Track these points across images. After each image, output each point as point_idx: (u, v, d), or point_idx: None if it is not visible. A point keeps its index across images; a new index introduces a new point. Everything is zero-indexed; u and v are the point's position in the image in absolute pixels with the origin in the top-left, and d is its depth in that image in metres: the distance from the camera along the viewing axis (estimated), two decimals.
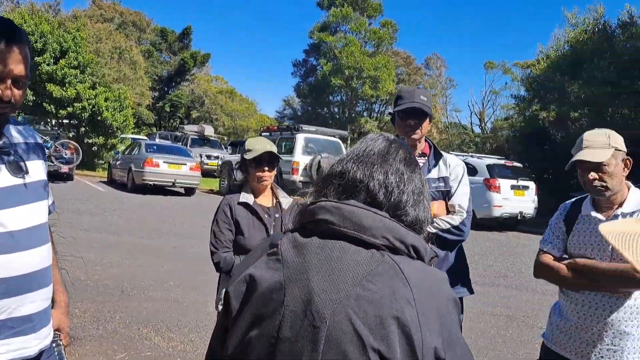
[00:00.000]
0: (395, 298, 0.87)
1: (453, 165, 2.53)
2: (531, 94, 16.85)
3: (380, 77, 31.77)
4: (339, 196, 0.99)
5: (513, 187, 13.29)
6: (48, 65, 20.44)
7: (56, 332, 1.63)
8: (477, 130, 39.89)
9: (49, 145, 16.86)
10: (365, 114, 39.16)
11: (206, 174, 19.77)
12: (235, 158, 14.12)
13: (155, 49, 44.81)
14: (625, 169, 2.08)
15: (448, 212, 2.46)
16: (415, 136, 2.46)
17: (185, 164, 15.07)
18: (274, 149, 2.56)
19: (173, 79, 45.43)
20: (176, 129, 38.31)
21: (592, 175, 2.05)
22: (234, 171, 13.92)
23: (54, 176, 14.97)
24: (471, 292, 2.55)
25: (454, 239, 2.43)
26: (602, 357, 1.98)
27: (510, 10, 72.15)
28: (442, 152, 2.60)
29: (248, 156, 2.51)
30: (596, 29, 15.60)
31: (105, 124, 22.20)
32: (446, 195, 2.49)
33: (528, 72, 18.57)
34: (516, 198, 13.32)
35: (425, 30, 78.60)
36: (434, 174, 2.50)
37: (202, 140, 27.15)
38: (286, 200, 2.67)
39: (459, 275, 2.47)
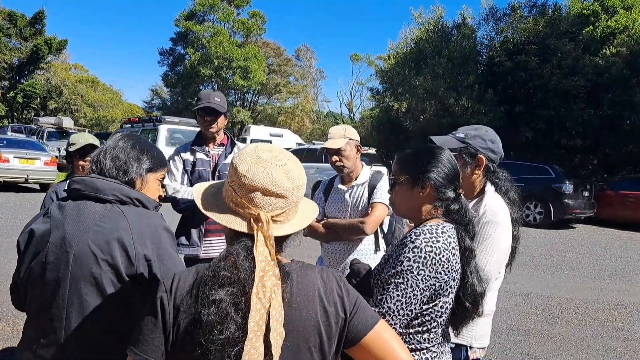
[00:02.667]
0: (117, 229, 1.45)
1: None
2: (384, 86, 18.47)
3: (251, 67, 32.14)
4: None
5: None
6: None
7: None
8: (349, 120, 42.06)
9: None
10: (238, 103, 39.33)
11: (65, 168, 18.73)
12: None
13: (2, 34, 40.50)
14: (358, 152, 2.84)
15: None
16: (212, 130, 3.09)
17: (39, 159, 14.28)
18: (97, 142, 2.94)
19: (25, 67, 41.51)
20: (31, 121, 35.34)
21: (334, 158, 2.82)
22: None
23: None
24: None
25: None
26: None
27: (373, 4, 76.44)
28: (236, 142, 3.25)
29: (72, 148, 2.89)
30: (436, 28, 17.55)
31: None
32: None
33: (381, 66, 20.26)
34: None
35: (296, 22, 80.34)
36: (229, 159, 3.09)
37: (60, 133, 25.48)
38: None
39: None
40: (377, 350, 1.19)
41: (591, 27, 18.21)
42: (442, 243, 1.51)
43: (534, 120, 16.44)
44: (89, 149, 2.87)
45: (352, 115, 41.73)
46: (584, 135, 16.81)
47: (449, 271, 1.52)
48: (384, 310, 1.49)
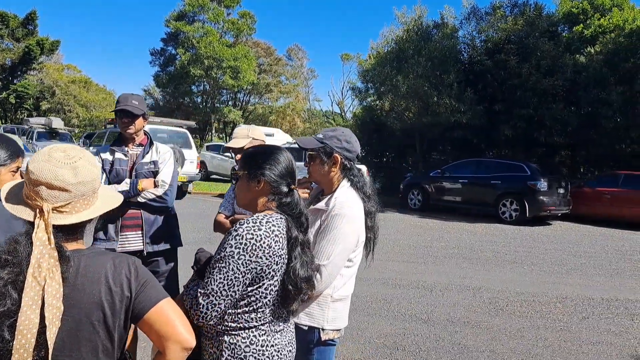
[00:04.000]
0: None
1: (162, 152, 3.34)
2: (366, 86, 18.65)
3: (241, 67, 32.28)
4: None
5: None
6: None
7: None
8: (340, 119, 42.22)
9: None
10: (230, 103, 39.48)
11: None
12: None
13: None
14: None
15: (156, 186, 3.23)
16: (129, 131, 3.24)
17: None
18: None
19: (18, 68, 41.61)
20: (22, 122, 35.41)
21: (237, 157, 3.00)
22: None
23: None
24: (180, 244, 3.37)
25: (159, 205, 3.23)
26: None
27: (363, 4, 76.70)
28: (154, 142, 3.41)
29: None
30: (416, 28, 17.71)
31: None
32: (156, 174, 3.27)
33: (361, 66, 20.42)
34: None
35: (287, 21, 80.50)
36: (147, 158, 3.28)
37: (50, 134, 25.57)
38: None
39: (168, 232, 3.29)
40: (158, 325, 1.37)
41: (581, 25, 18.39)
42: (264, 231, 1.70)
43: (512, 118, 16.61)
44: None
45: (343, 114, 41.87)
46: (563, 133, 16.99)
47: (270, 256, 1.70)
48: (208, 291, 1.67)
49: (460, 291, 6.60)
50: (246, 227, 1.69)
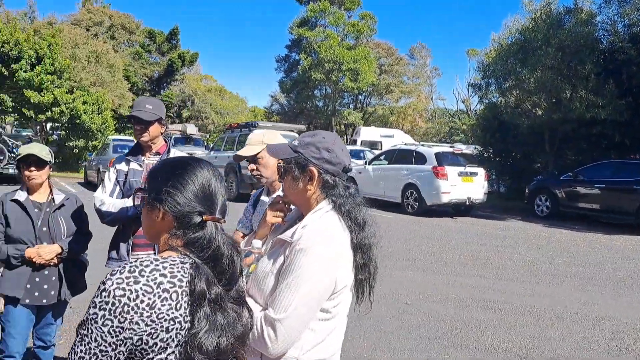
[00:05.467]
0: None
1: None
2: (486, 81, 17.21)
3: (361, 69, 32.11)
4: None
5: (461, 174, 13.72)
6: (25, 72, 21.05)
7: None
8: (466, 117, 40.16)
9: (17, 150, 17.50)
10: (351, 106, 39.59)
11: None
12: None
13: (144, 50, 45.33)
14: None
15: None
16: (143, 139, 2.99)
17: None
18: (42, 153, 2.96)
19: (163, 79, 45.97)
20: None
21: (251, 166, 2.60)
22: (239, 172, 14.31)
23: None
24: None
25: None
26: None
27: None
28: (172, 149, 3.14)
29: (17, 158, 2.99)
30: (545, 15, 15.90)
31: (84, 127, 22.82)
32: None
33: (482, 60, 18.91)
34: (464, 184, 13.75)
35: (408, 20, 78.75)
36: None
37: (185, 139, 27.68)
38: (59, 197, 3.13)
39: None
40: None
41: None
42: (144, 284, 1.18)
43: None
44: (33, 159, 2.97)
45: (469, 112, 39.70)
46: None
47: (153, 321, 1.18)
48: None
49: (576, 321, 5.54)
50: (117, 279, 1.17)
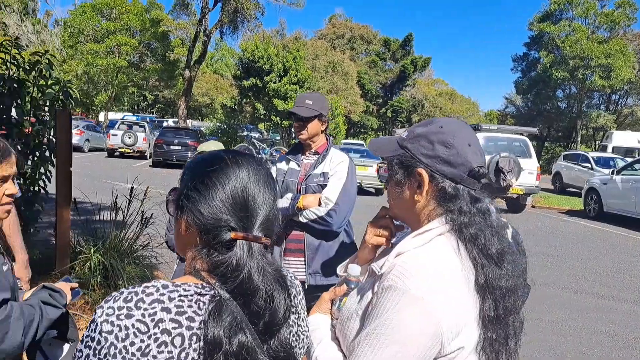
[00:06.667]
0: None
1: (336, 161, 2.75)
2: None
3: (614, 64, 27.72)
4: None
5: None
6: (274, 83, 24.02)
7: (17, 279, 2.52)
8: None
9: (266, 152, 20.02)
10: (602, 107, 34.59)
11: None
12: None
13: (379, 58, 47.53)
14: None
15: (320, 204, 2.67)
16: (301, 136, 2.80)
17: (372, 166, 16.14)
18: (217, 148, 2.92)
19: (395, 86, 47.42)
20: (389, 133, 40.19)
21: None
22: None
23: None
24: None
25: (320, 228, 2.66)
26: None
27: None
28: (332, 149, 2.84)
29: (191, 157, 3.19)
30: None
31: None
32: (325, 188, 2.70)
33: None
34: None
35: None
36: (319, 169, 2.77)
37: None
38: None
39: (338, 264, 2.76)
40: None
41: None
42: (137, 320, 0.88)
43: None
44: None
45: None
46: None
47: None
48: None
49: None
50: (107, 309, 0.89)
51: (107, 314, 0.88)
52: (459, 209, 1.18)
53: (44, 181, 4.35)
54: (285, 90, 23.77)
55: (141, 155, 21.34)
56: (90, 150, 22.84)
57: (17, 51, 4.11)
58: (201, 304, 0.91)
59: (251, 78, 24.36)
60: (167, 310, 0.89)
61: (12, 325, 1.44)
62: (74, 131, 21.54)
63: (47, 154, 4.33)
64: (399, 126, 46.02)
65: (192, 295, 0.92)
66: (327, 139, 2.90)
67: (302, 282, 2.66)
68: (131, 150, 21.09)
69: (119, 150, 21.09)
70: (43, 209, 4.46)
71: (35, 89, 4.31)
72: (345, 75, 29.01)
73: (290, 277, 1.13)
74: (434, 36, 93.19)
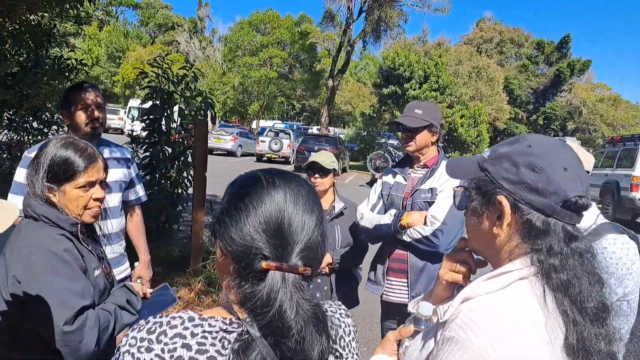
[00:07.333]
0: (7, 244, 1.54)
1: (446, 176, 2.47)
2: None
3: None
4: None
5: None
6: (414, 90, 23.78)
7: (139, 278, 2.61)
8: None
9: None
10: None
11: None
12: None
13: (531, 62, 44.35)
14: None
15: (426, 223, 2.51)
16: (409, 148, 2.65)
17: None
18: (326, 161, 2.83)
19: (548, 91, 43.83)
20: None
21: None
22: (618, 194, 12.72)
23: None
24: None
25: (424, 248, 2.51)
26: None
27: None
28: (441, 163, 2.64)
29: (303, 166, 2.96)
30: None
31: (460, 140, 24.09)
32: (432, 205, 2.53)
33: None
34: None
35: None
36: (426, 185, 2.60)
37: None
38: (339, 205, 2.92)
39: None
40: None
41: None
42: (156, 355, 0.85)
43: None
44: (317, 166, 2.89)
45: None
46: None
47: None
48: None
49: None
50: (131, 339, 0.87)
51: (130, 344, 0.86)
52: (549, 248, 0.97)
53: (186, 185, 4.87)
54: (425, 97, 23.37)
55: (286, 161, 22.58)
56: (242, 155, 24.71)
57: (167, 65, 4.66)
58: (226, 342, 0.86)
59: (390, 86, 24.42)
60: (187, 347, 0.84)
61: (86, 335, 1.48)
62: (229, 137, 23.80)
63: (189, 159, 4.84)
64: (552, 134, 42.48)
65: (217, 331, 0.87)
66: (438, 152, 2.72)
67: (404, 305, 2.51)
68: (277, 156, 22.46)
69: (267, 155, 22.56)
70: (185, 210, 4.99)
71: (182, 99, 4.84)
72: (490, 81, 27.63)
73: (339, 314, 1.04)
74: (596, 37, 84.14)
